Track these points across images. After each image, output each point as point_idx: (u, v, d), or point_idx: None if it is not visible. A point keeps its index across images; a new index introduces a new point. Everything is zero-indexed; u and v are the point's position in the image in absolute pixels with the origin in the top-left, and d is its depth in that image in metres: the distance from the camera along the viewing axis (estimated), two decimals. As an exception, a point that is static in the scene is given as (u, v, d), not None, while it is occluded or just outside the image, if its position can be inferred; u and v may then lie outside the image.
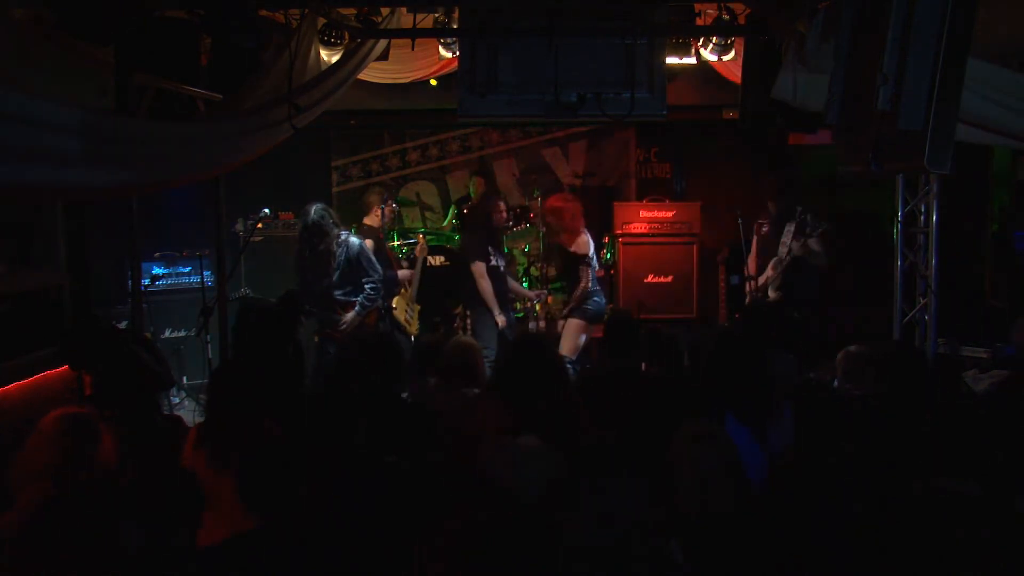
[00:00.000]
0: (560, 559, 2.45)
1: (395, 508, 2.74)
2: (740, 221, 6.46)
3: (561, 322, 6.66)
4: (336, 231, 5.91)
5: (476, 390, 4.20)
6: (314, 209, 5.90)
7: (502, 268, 6.39)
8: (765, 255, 6.40)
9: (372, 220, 6.73)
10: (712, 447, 2.72)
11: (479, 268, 6.14)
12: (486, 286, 6.11)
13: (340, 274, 5.91)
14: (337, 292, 5.92)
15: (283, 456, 2.94)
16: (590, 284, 6.42)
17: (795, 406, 3.59)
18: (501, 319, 6.18)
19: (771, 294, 6.20)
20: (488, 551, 2.50)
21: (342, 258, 5.89)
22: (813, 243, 6.04)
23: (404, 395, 4.20)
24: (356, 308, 5.90)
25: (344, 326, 5.88)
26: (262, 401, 3.46)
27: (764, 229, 6.41)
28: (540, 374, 3.81)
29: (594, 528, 2.46)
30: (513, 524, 2.57)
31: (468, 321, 6.33)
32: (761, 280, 6.28)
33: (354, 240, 5.98)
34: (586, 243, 6.51)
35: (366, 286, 5.93)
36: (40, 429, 2.95)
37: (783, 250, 6.22)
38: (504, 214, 6.52)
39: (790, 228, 6.23)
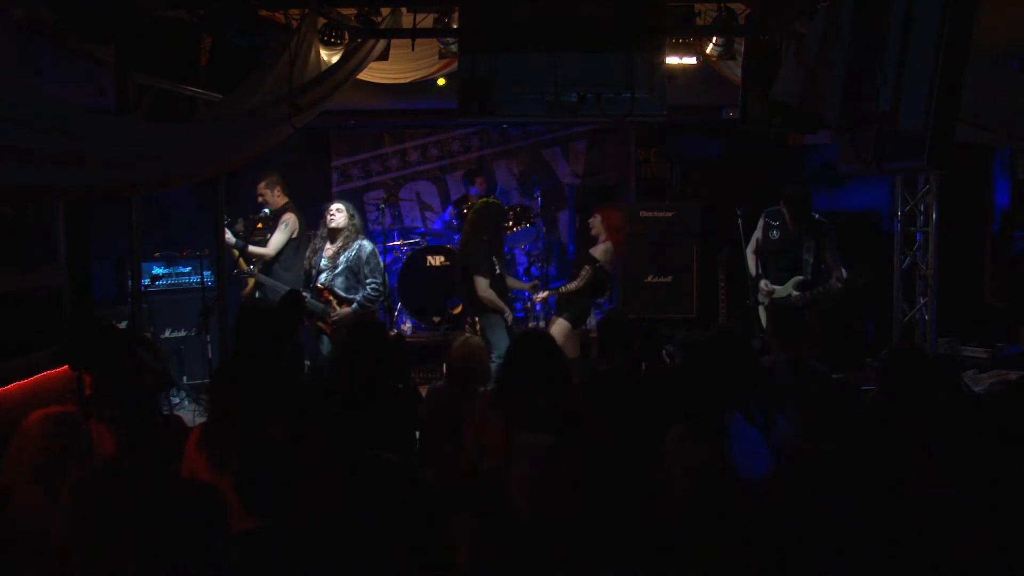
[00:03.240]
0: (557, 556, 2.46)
1: (394, 507, 2.74)
2: (740, 221, 6.44)
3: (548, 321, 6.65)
4: (353, 232, 6.00)
5: (482, 388, 4.21)
6: (337, 200, 6.12)
7: (501, 272, 6.38)
8: (775, 261, 6.31)
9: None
10: (701, 444, 2.72)
11: (482, 282, 6.04)
12: (489, 296, 6.06)
13: (345, 269, 5.97)
14: (337, 286, 5.97)
15: (282, 457, 2.94)
16: (579, 286, 6.40)
17: (803, 404, 3.59)
18: (511, 316, 6.19)
19: None
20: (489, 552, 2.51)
21: (352, 254, 5.96)
22: (837, 284, 6.00)
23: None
24: (354, 305, 5.93)
25: (336, 318, 5.90)
26: (263, 403, 3.46)
27: (774, 234, 6.29)
28: (541, 370, 3.82)
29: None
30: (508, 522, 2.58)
31: (478, 327, 6.27)
32: (781, 295, 6.22)
33: (367, 243, 6.06)
34: (603, 251, 6.51)
35: (368, 286, 5.96)
36: (21, 431, 2.96)
37: (807, 269, 6.14)
38: (507, 220, 6.50)
39: (811, 246, 6.13)
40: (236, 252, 6.41)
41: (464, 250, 6.25)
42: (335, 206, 6.05)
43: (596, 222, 6.68)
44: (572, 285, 6.45)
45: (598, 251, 6.53)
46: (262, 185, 6.64)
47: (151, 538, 2.56)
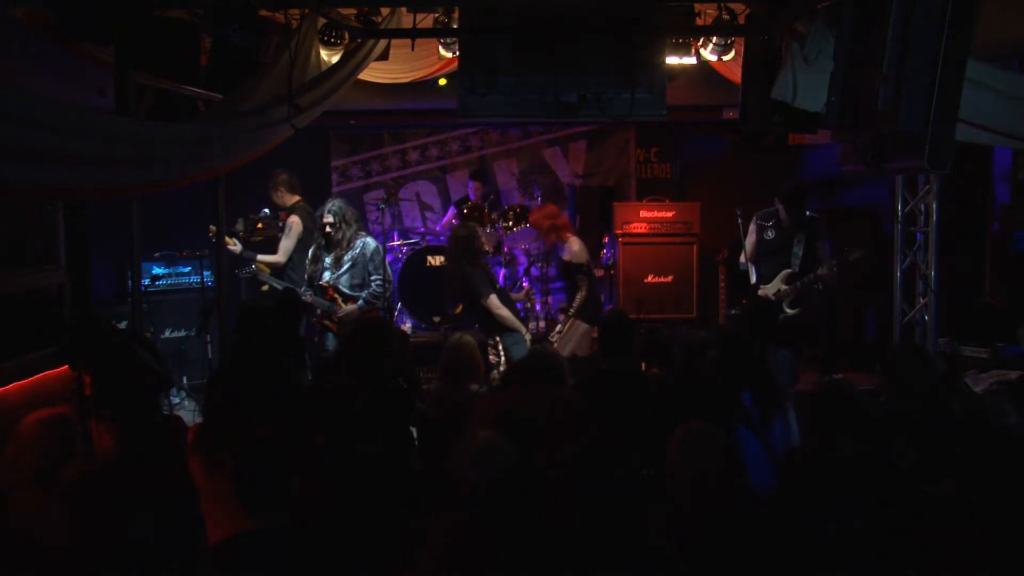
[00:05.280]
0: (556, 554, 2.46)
1: (390, 505, 2.74)
2: (740, 221, 6.45)
3: (564, 326, 6.62)
4: (354, 228, 6.01)
5: (475, 387, 4.21)
6: (329, 208, 6.06)
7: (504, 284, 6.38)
8: (771, 261, 6.35)
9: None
10: (708, 447, 2.71)
11: (493, 301, 5.96)
12: (505, 314, 5.99)
13: (350, 267, 6.00)
14: (342, 284, 6.00)
15: (278, 458, 2.94)
16: (586, 293, 6.40)
17: (803, 406, 3.59)
18: (529, 335, 6.19)
19: (787, 310, 6.18)
20: (473, 551, 2.50)
21: (356, 252, 5.98)
22: (837, 268, 6.03)
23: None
24: (359, 302, 5.96)
25: (342, 314, 5.93)
26: (259, 404, 3.46)
27: (769, 234, 6.33)
28: (540, 371, 3.83)
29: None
30: (493, 522, 2.57)
31: (501, 347, 6.20)
32: (772, 292, 6.24)
33: (370, 240, 6.08)
34: (578, 251, 6.44)
35: (373, 283, 6.01)
36: (17, 434, 2.96)
37: (795, 262, 6.19)
38: (485, 240, 6.44)
39: (801, 240, 6.19)
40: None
41: (459, 281, 6.10)
42: (327, 219, 5.99)
43: (542, 230, 6.60)
44: (579, 298, 6.43)
45: (574, 254, 6.47)
46: (270, 185, 6.68)
47: (151, 538, 2.56)
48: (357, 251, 6.01)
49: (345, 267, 6.01)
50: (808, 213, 6.30)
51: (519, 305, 7.50)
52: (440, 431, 4.04)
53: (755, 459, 3.31)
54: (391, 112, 8.07)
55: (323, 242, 6.08)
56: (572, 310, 6.47)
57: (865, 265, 6.22)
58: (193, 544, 2.68)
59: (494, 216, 8.01)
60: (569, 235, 6.56)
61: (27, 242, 4.92)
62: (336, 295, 5.98)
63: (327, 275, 6.03)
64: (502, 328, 6.05)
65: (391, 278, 6.37)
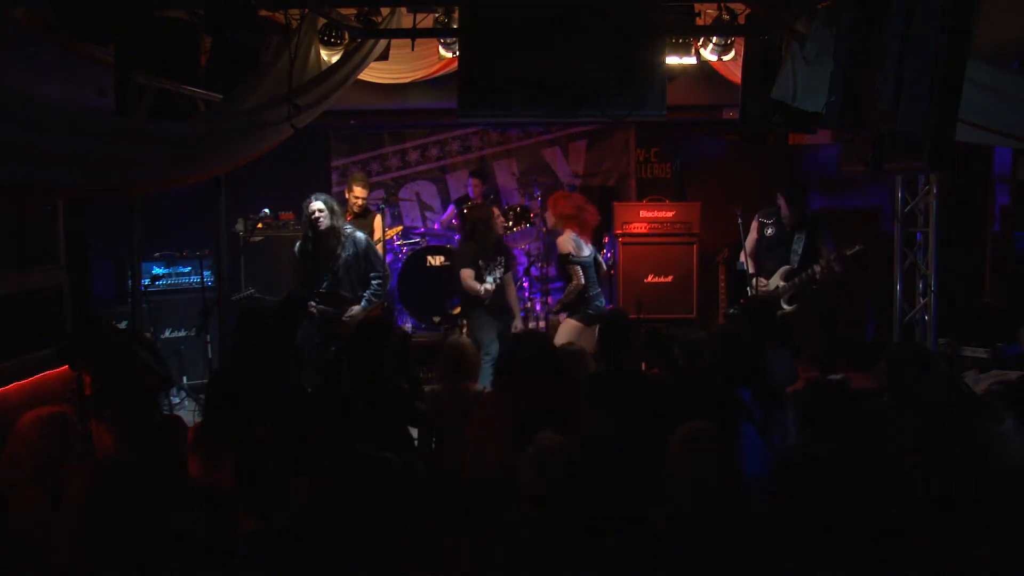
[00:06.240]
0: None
1: (394, 507, 2.74)
2: (740, 221, 6.45)
3: (556, 320, 6.63)
4: (341, 224, 5.95)
5: (477, 386, 4.22)
6: (316, 200, 5.91)
7: (500, 281, 6.33)
8: (771, 257, 6.36)
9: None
10: (708, 447, 2.71)
11: (467, 273, 6.04)
12: (469, 284, 6.02)
13: (345, 268, 5.93)
14: (343, 288, 5.95)
15: (278, 459, 2.94)
16: (581, 283, 6.33)
17: (802, 405, 3.58)
18: (488, 288, 6.09)
19: (785, 306, 6.19)
20: (511, 553, 2.50)
21: (349, 252, 5.92)
22: (836, 264, 6.03)
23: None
24: (363, 303, 5.92)
25: (348, 317, 5.89)
26: (258, 405, 3.46)
27: (770, 231, 6.34)
28: (539, 369, 3.83)
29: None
30: (534, 523, 2.56)
31: (465, 330, 6.26)
32: (771, 287, 6.25)
33: (360, 234, 6.03)
34: (565, 242, 6.38)
35: (372, 281, 5.97)
36: (16, 433, 2.96)
37: (795, 258, 6.20)
38: (499, 220, 6.41)
39: (801, 237, 6.20)
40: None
41: (453, 254, 6.24)
42: (316, 207, 5.83)
43: (549, 216, 6.59)
44: (571, 287, 6.40)
45: (560, 245, 6.45)
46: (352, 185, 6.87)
47: (154, 538, 2.56)
48: (350, 252, 5.91)
49: (340, 270, 5.93)
50: (806, 213, 6.31)
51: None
52: (440, 431, 4.05)
53: (757, 454, 3.32)
54: (391, 112, 8.07)
55: (311, 234, 5.90)
56: (564, 297, 6.50)
57: (863, 261, 6.21)
58: (196, 544, 2.68)
59: (494, 215, 8.01)
60: (570, 226, 6.49)
61: (27, 242, 4.92)
62: (339, 300, 5.93)
63: (325, 280, 5.96)
64: (469, 307, 6.12)
65: (389, 273, 6.35)
